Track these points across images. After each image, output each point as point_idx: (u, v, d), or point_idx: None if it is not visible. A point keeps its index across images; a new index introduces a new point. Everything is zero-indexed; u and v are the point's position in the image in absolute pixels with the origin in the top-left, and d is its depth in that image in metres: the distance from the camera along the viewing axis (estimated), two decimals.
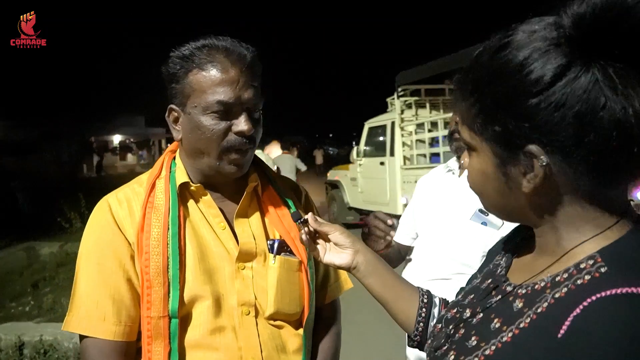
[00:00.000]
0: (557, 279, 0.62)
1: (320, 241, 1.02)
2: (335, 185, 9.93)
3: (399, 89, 7.96)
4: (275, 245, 1.10)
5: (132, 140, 35.69)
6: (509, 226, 1.47)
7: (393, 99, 8.05)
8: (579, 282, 0.59)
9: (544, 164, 0.60)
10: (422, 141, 7.46)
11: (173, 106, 1.07)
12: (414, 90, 8.15)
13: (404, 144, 7.80)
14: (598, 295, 0.55)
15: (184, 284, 1.01)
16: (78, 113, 18.57)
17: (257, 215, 1.13)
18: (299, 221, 1.00)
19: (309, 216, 1.00)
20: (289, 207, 1.16)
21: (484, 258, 1.50)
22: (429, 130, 7.35)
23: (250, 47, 1.04)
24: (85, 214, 7.94)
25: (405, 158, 7.78)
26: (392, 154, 7.97)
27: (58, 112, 16.76)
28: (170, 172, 1.10)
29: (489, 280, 0.78)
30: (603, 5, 0.55)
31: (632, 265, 0.57)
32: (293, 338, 1.09)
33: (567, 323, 0.55)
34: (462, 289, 0.93)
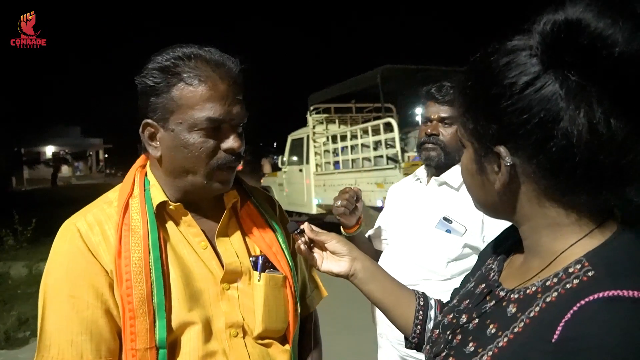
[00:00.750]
0: (548, 283, 0.65)
1: (316, 250, 1.01)
2: (267, 190, 10.84)
3: (311, 108, 9.51)
4: (259, 262, 1.05)
5: (66, 151, 33.85)
6: (472, 233, 1.58)
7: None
8: (568, 286, 0.62)
9: (508, 164, 0.65)
10: (329, 151, 8.96)
11: (150, 121, 0.97)
12: (327, 108, 9.66)
13: (315, 153, 9.29)
14: (587, 299, 0.57)
15: (170, 311, 0.94)
16: (5, 122, 17.35)
17: (237, 232, 1.09)
18: (296, 231, 0.99)
19: (305, 226, 0.99)
20: (267, 222, 1.13)
21: (449, 264, 1.58)
22: (333, 142, 8.76)
23: (236, 59, 0.99)
24: (19, 230, 7.44)
25: (317, 165, 9.27)
26: (307, 162, 9.50)
27: None
28: (144, 190, 1.02)
29: (483, 285, 0.80)
30: (562, 24, 0.60)
31: (617, 268, 0.60)
32: (281, 354, 1.06)
33: (559, 328, 0.57)
34: (455, 290, 0.95)
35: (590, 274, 0.61)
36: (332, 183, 8.49)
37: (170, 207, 1.01)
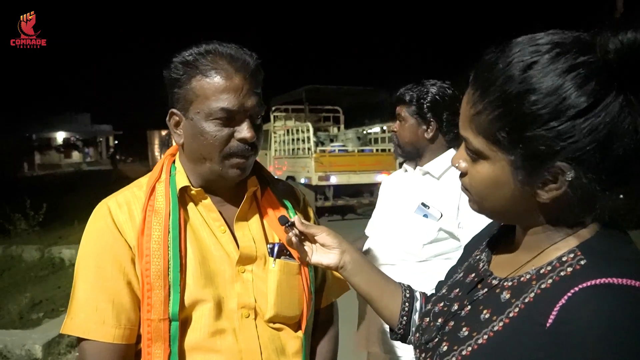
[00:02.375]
0: (542, 271, 0.68)
1: (307, 243, 1.04)
2: None
3: (273, 108, 12.46)
4: (276, 248, 1.10)
5: (77, 137, 34.13)
6: (447, 218, 1.65)
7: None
8: (562, 273, 0.65)
9: (570, 179, 0.64)
10: (283, 141, 11.82)
11: (174, 110, 1.05)
12: (286, 108, 12.77)
13: (275, 142, 12.19)
14: (580, 286, 0.61)
15: (184, 287, 1.00)
16: (15, 109, 17.47)
17: (256, 219, 1.13)
18: (286, 225, 1.02)
19: (296, 219, 1.02)
20: (288, 212, 1.17)
21: (425, 247, 1.68)
22: (285, 135, 11.73)
23: (253, 54, 1.04)
24: (31, 214, 7.55)
25: (275, 151, 12.18)
26: (270, 148, 12.31)
27: None
28: (170, 175, 1.09)
29: (473, 275, 0.83)
30: (631, 44, 0.59)
31: (606, 258, 0.64)
32: (292, 340, 1.09)
33: (554, 313, 0.61)
34: (440, 282, 0.98)
35: (582, 262, 0.65)
36: (283, 165, 11.59)
37: (192, 191, 1.07)
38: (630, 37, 0.60)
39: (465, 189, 0.77)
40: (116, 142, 42.74)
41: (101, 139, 37.78)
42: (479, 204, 0.76)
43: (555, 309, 0.61)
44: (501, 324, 0.68)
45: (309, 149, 9.97)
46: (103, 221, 1.03)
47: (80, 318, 0.99)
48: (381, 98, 12.18)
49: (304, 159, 10.11)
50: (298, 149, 10.79)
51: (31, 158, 27.03)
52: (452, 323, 0.79)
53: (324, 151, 10.04)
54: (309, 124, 10.29)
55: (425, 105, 1.74)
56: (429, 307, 0.91)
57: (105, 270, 1.00)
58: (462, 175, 0.76)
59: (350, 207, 10.52)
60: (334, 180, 9.66)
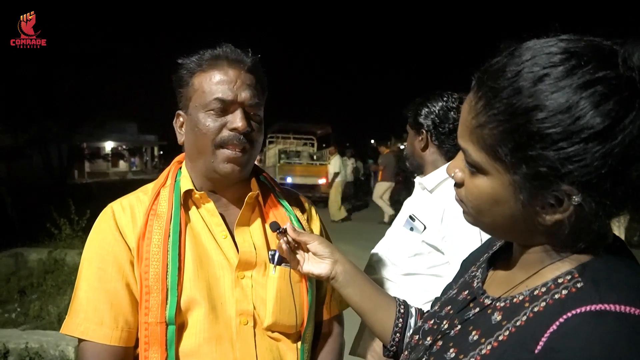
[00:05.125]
0: (536, 292, 0.63)
1: (299, 251, 1.02)
2: None
3: (269, 135, 17.80)
4: (277, 255, 1.08)
5: (124, 147, 35.53)
6: (431, 231, 1.60)
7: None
8: (556, 296, 0.60)
9: (577, 203, 0.58)
10: (271, 157, 17.19)
11: (180, 111, 1.10)
12: (277, 136, 18.48)
13: (267, 157, 17.31)
14: (574, 312, 0.55)
15: (181, 291, 1.00)
16: (68, 118, 18.37)
17: (258, 224, 1.13)
18: (278, 231, 1.00)
19: (288, 226, 1.01)
20: (291, 218, 1.16)
21: (409, 259, 1.64)
22: (272, 154, 17.16)
23: (250, 54, 1.07)
24: (75, 220, 7.86)
25: (267, 164, 16.82)
26: (264, 163, 17.21)
27: (47, 117, 16.59)
28: (175, 181, 1.11)
29: (466, 292, 0.78)
30: None
31: (605, 282, 0.58)
32: (291, 352, 1.07)
33: (543, 339, 0.56)
34: (437, 299, 0.93)
35: (579, 285, 0.59)
36: (272, 172, 15.51)
37: (196, 195, 1.08)
38: None
39: (460, 200, 0.71)
40: (161, 152, 44.15)
41: (146, 149, 39.14)
42: (474, 218, 0.70)
43: (546, 335, 0.56)
44: (489, 347, 0.63)
45: (275, 161, 16.32)
46: (106, 223, 1.06)
47: (79, 318, 1.00)
48: (329, 130, 18.33)
49: (274, 167, 15.86)
50: (273, 161, 16.79)
51: (81, 166, 28.30)
52: (440, 343, 0.74)
53: (288, 163, 16.22)
54: (276, 148, 17.09)
55: (417, 115, 1.74)
56: (419, 323, 0.87)
57: (106, 272, 1.01)
58: (458, 185, 0.71)
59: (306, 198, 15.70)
60: (289, 180, 14.84)
